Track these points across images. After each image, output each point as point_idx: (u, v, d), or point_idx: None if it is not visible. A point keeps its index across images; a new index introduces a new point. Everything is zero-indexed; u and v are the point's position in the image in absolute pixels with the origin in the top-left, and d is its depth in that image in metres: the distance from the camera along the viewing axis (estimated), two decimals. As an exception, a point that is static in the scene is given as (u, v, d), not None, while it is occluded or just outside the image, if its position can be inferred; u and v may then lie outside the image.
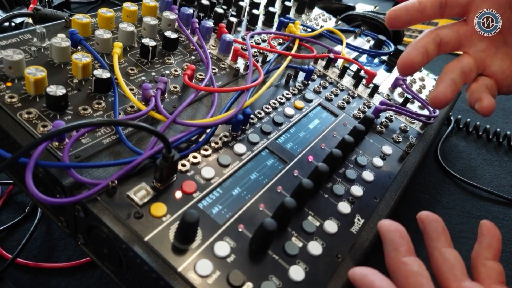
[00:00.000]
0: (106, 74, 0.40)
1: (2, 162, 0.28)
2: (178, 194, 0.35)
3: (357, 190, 0.43)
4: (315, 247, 0.35)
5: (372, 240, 0.39)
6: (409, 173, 0.48)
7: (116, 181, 0.33)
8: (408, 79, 0.67)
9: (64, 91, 0.37)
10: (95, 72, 0.40)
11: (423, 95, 0.65)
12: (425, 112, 0.59)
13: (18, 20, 0.87)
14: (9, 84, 0.39)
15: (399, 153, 0.50)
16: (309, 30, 0.67)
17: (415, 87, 0.66)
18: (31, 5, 0.75)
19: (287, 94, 0.52)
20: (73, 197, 0.31)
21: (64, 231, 0.38)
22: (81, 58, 0.41)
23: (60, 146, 0.35)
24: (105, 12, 0.49)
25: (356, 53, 0.68)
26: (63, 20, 0.49)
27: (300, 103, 0.51)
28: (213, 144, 0.41)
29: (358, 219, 0.40)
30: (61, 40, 0.42)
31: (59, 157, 0.34)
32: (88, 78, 0.42)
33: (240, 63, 0.54)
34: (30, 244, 0.47)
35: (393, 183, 0.46)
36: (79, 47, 0.46)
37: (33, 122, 0.36)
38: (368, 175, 0.45)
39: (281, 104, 0.50)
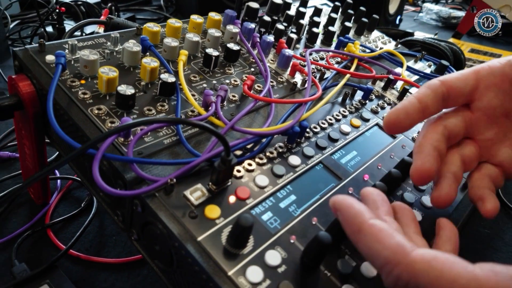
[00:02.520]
0: (171, 79, 0.42)
1: (72, 152, 0.30)
2: (232, 199, 0.35)
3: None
4: (369, 269, 0.33)
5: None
6: (471, 203, 0.45)
7: (174, 179, 0.33)
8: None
9: (133, 91, 0.39)
10: (162, 76, 0.42)
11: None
12: (490, 141, 0.55)
13: (88, 30, 0.94)
14: (83, 81, 0.41)
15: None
16: (367, 51, 0.67)
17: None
18: (102, 17, 0.81)
19: (344, 111, 0.51)
20: (135, 191, 0.32)
21: (119, 226, 0.39)
22: (150, 62, 0.43)
23: (124, 142, 0.36)
24: (173, 22, 0.51)
25: (416, 77, 0.67)
26: (135, 28, 0.52)
27: (357, 121, 0.50)
28: (268, 154, 0.41)
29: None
30: (133, 45, 0.45)
31: (123, 152, 0.35)
32: (154, 81, 0.44)
33: (298, 78, 0.54)
34: (83, 238, 0.49)
35: (455, 212, 0.43)
36: (148, 53, 0.48)
37: (102, 118, 0.38)
38: (427, 200, 0.42)
39: (337, 120, 0.50)
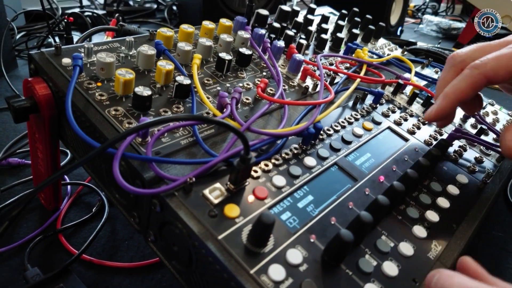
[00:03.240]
0: (186, 81, 0.42)
1: (91, 151, 0.30)
2: (251, 198, 0.35)
3: (432, 216, 0.40)
4: (390, 268, 0.33)
5: (451, 268, 0.36)
6: (487, 204, 0.45)
7: (193, 178, 0.33)
8: (481, 112, 0.64)
9: (149, 92, 0.39)
10: (177, 78, 0.42)
11: (496, 128, 0.61)
12: (501, 144, 0.56)
13: (95, 40, 0.94)
14: (99, 84, 0.41)
15: (475, 183, 0.47)
16: (375, 57, 0.67)
17: (487, 120, 0.63)
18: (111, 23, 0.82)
19: (356, 115, 0.52)
20: (155, 189, 0.32)
21: (135, 228, 0.38)
22: (165, 65, 0.43)
23: (142, 143, 0.36)
24: (186, 27, 0.52)
25: (424, 82, 0.67)
26: (148, 34, 0.52)
27: (369, 124, 0.50)
28: (283, 155, 0.41)
29: (435, 245, 0.37)
30: (148, 48, 0.45)
31: (141, 152, 0.35)
32: (168, 84, 0.44)
33: (309, 82, 0.55)
34: (95, 243, 0.48)
35: (471, 213, 0.43)
36: (161, 57, 0.48)
37: (119, 118, 0.38)
38: (443, 202, 0.42)
39: (350, 123, 0.50)
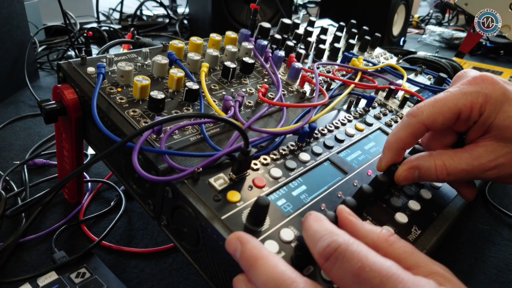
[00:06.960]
0: (195, 86, 0.48)
1: (113, 144, 0.36)
2: (250, 186, 0.40)
3: (414, 205, 0.45)
4: (373, 246, 0.38)
5: (430, 249, 0.40)
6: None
7: (201, 168, 0.38)
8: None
9: (163, 95, 0.45)
10: (187, 84, 0.48)
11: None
12: (486, 144, 0.60)
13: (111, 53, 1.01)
14: (119, 89, 0.47)
15: (458, 178, 0.52)
16: (370, 65, 0.72)
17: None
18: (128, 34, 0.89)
19: (349, 117, 0.57)
20: (168, 177, 0.37)
21: (150, 215, 0.44)
22: (176, 72, 0.49)
23: (156, 139, 0.42)
24: (195, 39, 0.58)
25: (416, 88, 0.72)
26: (161, 45, 0.58)
27: (361, 125, 0.55)
28: (281, 151, 0.46)
29: (415, 229, 0.42)
30: (161, 58, 0.51)
31: (156, 147, 0.41)
32: (179, 90, 0.50)
33: (307, 88, 0.60)
34: (113, 232, 0.54)
35: (451, 203, 0.47)
36: (173, 66, 0.54)
37: (137, 118, 0.44)
38: (426, 193, 0.47)
39: (343, 124, 0.55)
